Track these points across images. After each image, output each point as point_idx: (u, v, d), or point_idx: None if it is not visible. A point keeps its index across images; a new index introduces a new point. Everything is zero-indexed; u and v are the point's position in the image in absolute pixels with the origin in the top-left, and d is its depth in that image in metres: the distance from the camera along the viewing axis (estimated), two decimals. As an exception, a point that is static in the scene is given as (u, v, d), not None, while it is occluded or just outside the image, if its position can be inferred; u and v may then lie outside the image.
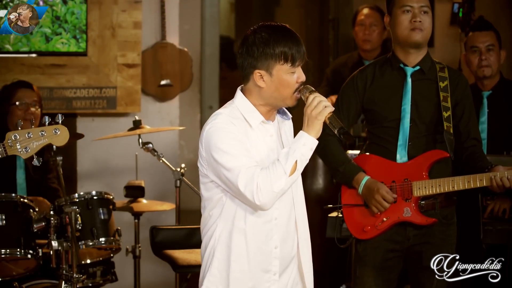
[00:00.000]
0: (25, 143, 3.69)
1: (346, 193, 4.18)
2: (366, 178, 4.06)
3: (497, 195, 4.36)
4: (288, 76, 3.21)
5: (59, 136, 3.74)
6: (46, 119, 3.75)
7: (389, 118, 4.12)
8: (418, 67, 4.12)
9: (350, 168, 4.11)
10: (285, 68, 3.20)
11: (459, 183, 3.99)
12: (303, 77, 3.23)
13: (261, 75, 3.22)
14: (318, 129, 3.17)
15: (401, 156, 4.09)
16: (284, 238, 3.30)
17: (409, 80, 4.12)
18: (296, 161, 3.14)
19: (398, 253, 4.13)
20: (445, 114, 4.07)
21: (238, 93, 3.31)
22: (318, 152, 3.53)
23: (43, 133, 3.72)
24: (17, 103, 5.23)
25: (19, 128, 3.71)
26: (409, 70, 4.12)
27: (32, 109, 5.24)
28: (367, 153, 4.20)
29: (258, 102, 3.27)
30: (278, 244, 3.28)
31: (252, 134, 3.25)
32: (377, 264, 4.13)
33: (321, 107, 3.15)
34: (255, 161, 3.19)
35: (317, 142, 3.18)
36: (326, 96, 5.79)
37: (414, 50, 4.11)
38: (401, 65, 4.13)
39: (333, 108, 3.17)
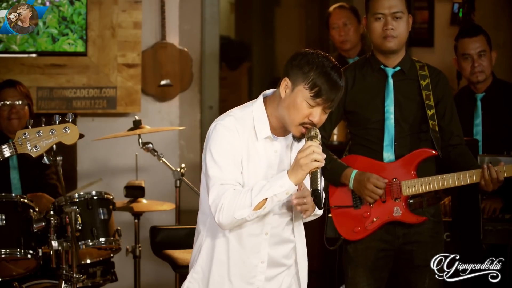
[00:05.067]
0: (35, 141, 3.68)
1: (334, 194, 4.18)
2: (355, 171, 4.07)
3: (490, 194, 4.37)
4: (303, 103, 3.11)
5: (69, 134, 3.74)
6: (57, 117, 3.74)
7: (373, 119, 4.12)
8: (398, 68, 4.12)
9: (337, 165, 4.11)
10: (305, 94, 3.10)
11: (449, 180, 4.00)
12: (316, 119, 3.12)
13: (286, 84, 3.15)
14: (300, 177, 3.07)
15: (388, 156, 4.10)
16: (278, 246, 3.25)
17: (391, 80, 4.12)
18: (266, 199, 3.06)
19: (388, 252, 4.14)
20: (429, 113, 4.08)
21: (259, 98, 3.26)
22: None
23: (53, 131, 3.71)
24: (1, 104, 5.21)
25: (29, 127, 3.70)
26: (390, 71, 4.12)
27: (18, 108, 5.22)
28: (353, 154, 4.20)
29: (274, 112, 3.20)
30: (266, 259, 3.23)
31: (255, 145, 3.20)
32: (369, 264, 4.14)
33: (309, 159, 3.04)
34: (237, 179, 3.13)
35: (295, 188, 3.09)
36: None
37: (391, 54, 4.11)
38: (382, 66, 4.13)
39: (321, 165, 3.08)
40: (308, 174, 3.08)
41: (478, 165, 4.10)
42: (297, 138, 3.19)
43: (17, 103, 5.23)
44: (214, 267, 3.23)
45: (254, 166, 3.18)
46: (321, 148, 3.10)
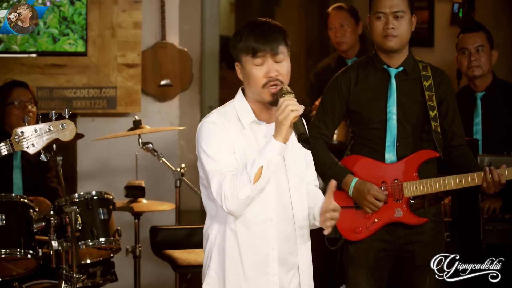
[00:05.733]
0: (32, 138, 3.67)
1: (335, 195, 4.15)
2: (355, 180, 4.06)
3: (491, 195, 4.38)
4: (252, 68, 3.20)
5: (66, 130, 3.73)
6: (53, 114, 3.73)
7: (375, 119, 4.12)
8: (401, 68, 4.12)
9: (338, 171, 4.10)
10: (248, 60, 3.21)
11: (451, 182, 4.00)
12: (273, 72, 3.18)
13: (240, 68, 3.27)
14: (284, 134, 3.10)
15: (390, 156, 4.10)
16: (284, 241, 3.27)
17: (393, 81, 4.12)
18: (261, 167, 3.08)
19: (389, 252, 4.14)
20: (432, 114, 4.08)
21: (238, 92, 3.33)
22: None
23: (50, 128, 3.71)
24: (15, 102, 5.23)
25: (26, 124, 3.70)
26: (393, 71, 4.12)
27: (29, 107, 5.25)
28: (355, 154, 4.20)
29: (249, 99, 3.28)
30: (276, 246, 3.25)
31: (244, 133, 3.25)
32: (369, 264, 4.14)
33: (286, 111, 3.08)
34: (234, 166, 3.17)
35: (286, 146, 3.11)
36: (314, 100, 5.80)
37: (394, 54, 4.11)
38: (385, 66, 4.13)
39: (300, 112, 3.09)
40: (291, 125, 3.09)
41: (480, 166, 4.10)
42: (273, 102, 3.20)
43: (29, 102, 5.25)
44: (227, 266, 3.24)
45: (246, 155, 3.22)
46: (294, 99, 3.12)
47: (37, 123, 3.74)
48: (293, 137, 3.22)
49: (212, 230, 3.30)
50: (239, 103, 3.29)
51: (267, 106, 3.25)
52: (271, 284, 3.25)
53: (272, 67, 3.19)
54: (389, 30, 4.02)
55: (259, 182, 3.10)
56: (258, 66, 3.19)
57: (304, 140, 3.08)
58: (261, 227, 3.24)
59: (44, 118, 3.74)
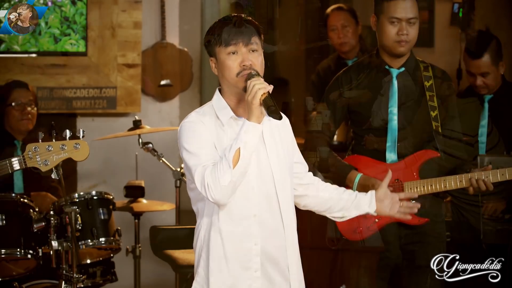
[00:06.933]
0: (45, 156, 3.70)
1: None
2: (359, 175, 4.07)
3: (492, 194, 4.37)
4: (226, 58, 3.23)
5: (79, 151, 3.77)
6: (68, 133, 3.76)
7: (376, 120, 4.12)
8: (403, 69, 4.12)
9: (342, 168, 4.11)
10: (222, 50, 3.23)
11: (451, 182, 4.01)
12: (247, 62, 3.22)
13: (213, 62, 3.30)
14: (256, 114, 3.13)
15: (391, 156, 4.10)
16: (269, 237, 3.27)
17: (395, 81, 4.12)
18: (238, 150, 3.11)
19: (390, 252, 4.13)
20: (433, 114, 4.09)
21: (216, 92, 3.37)
22: None
23: (63, 147, 3.73)
24: (13, 103, 5.22)
25: (40, 140, 3.72)
26: (395, 72, 4.13)
27: (29, 108, 5.24)
28: (356, 154, 4.20)
29: (226, 95, 3.31)
30: (259, 241, 3.26)
31: (224, 130, 3.27)
32: (370, 264, 4.13)
33: (254, 90, 3.12)
34: (215, 158, 3.19)
35: (260, 126, 3.13)
36: (316, 101, 5.79)
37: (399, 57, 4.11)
38: (386, 67, 4.13)
39: (267, 89, 3.11)
40: (261, 103, 3.11)
41: (461, 164, 4.10)
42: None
43: (29, 104, 5.25)
44: (211, 262, 3.27)
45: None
46: (260, 79, 3.15)
47: (61, 138, 3.75)
48: (276, 129, 3.26)
49: (200, 230, 3.34)
50: (216, 102, 3.32)
51: (241, 99, 3.27)
52: (253, 279, 3.27)
53: (246, 56, 3.23)
54: (403, 36, 4.04)
55: (238, 165, 3.12)
56: (232, 55, 3.22)
57: (273, 112, 3.10)
58: (244, 222, 3.26)
59: (59, 136, 3.76)
